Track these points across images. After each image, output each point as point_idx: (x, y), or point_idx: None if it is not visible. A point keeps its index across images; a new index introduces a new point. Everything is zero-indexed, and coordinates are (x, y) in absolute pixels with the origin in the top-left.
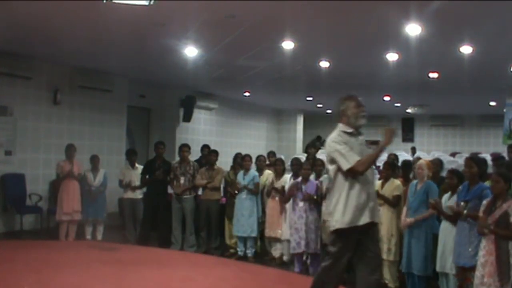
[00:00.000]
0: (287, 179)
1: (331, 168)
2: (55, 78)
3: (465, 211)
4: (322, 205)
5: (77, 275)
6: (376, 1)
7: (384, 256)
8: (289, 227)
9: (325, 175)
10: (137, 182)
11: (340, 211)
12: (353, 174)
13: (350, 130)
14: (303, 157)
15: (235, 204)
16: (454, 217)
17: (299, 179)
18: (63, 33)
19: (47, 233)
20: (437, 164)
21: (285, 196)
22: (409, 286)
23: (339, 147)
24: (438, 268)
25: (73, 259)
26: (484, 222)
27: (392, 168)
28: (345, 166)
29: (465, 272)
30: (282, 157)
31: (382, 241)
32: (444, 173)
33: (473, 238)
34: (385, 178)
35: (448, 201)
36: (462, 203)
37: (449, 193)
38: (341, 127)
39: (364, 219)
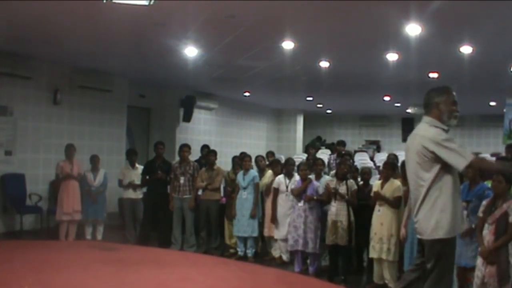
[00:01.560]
0: (281, 180)
1: (427, 171)
2: (55, 78)
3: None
4: (331, 205)
5: (77, 275)
6: (376, 1)
7: (384, 256)
8: (287, 225)
9: (327, 176)
10: (137, 182)
11: (448, 218)
12: (468, 171)
13: (446, 128)
14: (303, 157)
15: (235, 204)
16: None
17: (298, 178)
18: (63, 33)
19: (47, 233)
20: None
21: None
22: None
23: (448, 144)
24: None
25: (73, 259)
26: (485, 252)
27: (392, 168)
28: (463, 163)
29: (465, 272)
30: (282, 157)
31: (382, 241)
32: None
33: (474, 239)
34: (385, 178)
35: None
36: (464, 204)
37: None
38: (433, 122)
39: (463, 227)
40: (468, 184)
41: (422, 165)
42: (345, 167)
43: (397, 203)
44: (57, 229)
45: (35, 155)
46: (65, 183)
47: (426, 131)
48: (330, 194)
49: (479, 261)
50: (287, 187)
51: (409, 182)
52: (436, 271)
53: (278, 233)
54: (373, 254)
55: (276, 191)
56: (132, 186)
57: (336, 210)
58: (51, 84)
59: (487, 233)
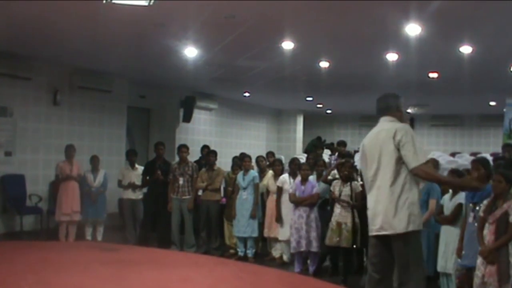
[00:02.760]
0: (286, 179)
1: (394, 158)
2: (55, 79)
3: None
4: (336, 206)
5: (77, 276)
6: (375, 1)
7: None
8: (289, 227)
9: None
10: (137, 182)
11: (416, 209)
12: (415, 174)
13: None
14: (303, 157)
15: (235, 204)
16: (451, 219)
17: (298, 179)
18: (63, 34)
19: (47, 233)
20: (433, 164)
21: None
22: None
23: (414, 139)
24: (439, 268)
25: (73, 260)
26: (485, 251)
27: None
28: (414, 163)
29: (467, 272)
30: (282, 157)
31: None
32: (440, 172)
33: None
34: None
35: (450, 201)
36: (470, 205)
37: (450, 193)
38: (396, 121)
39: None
40: None
41: (394, 157)
42: (345, 169)
43: None
44: (57, 230)
45: (35, 156)
46: (65, 183)
47: (395, 124)
48: (334, 199)
49: (479, 260)
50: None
51: (369, 174)
52: (415, 265)
53: (283, 234)
54: None
55: (280, 190)
56: (131, 186)
57: (341, 212)
58: (50, 84)
59: (488, 232)
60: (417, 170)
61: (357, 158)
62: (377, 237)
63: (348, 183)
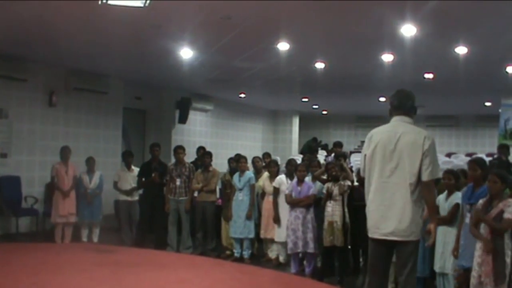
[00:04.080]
0: (283, 180)
1: (419, 165)
2: (51, 80)
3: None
4: (327, 205)
5: (73, 278)
6: (371, 1)
7: None
8: (285, 228)
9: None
10: (133, 184)
11: (419, 221)
12: (422, 186)
13: None
14: (299, 158)
15: (231, 205)
16: (448, 220)
17: (295, 180)
18: (59, 35)
19: (43, 235)
20: None
21: None
22: None
23: (435, 151)
24: (437, 269)
25: (69, 262)
26: (487, 242)
27: None
28: (432, 175)
29: (465, 273)
30: (278, 158)
31: None
32: None
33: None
34: None
35: (445, 201)
36: (467, 206)
37: (445, 193)
38: (413, 123)
39: None
40: (472, 186)
41: (419, 165)
42: (333, 169)
43: None
44: (53, 232)
45: (30, 158)
46: (61, 185)
47: (420, 129)
48: (326, 196)
49: (475, 261)
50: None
51: (381, 173)
52: (413, 273)
53: (279, 235)
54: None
55: (277, 191)
56: (127, 193)
57: (332, 211)
58: (46, 86)
59: (484, 232)
60: (430, 183)
61: (353, 158)
62: (382, 241)
63: (337, 183)
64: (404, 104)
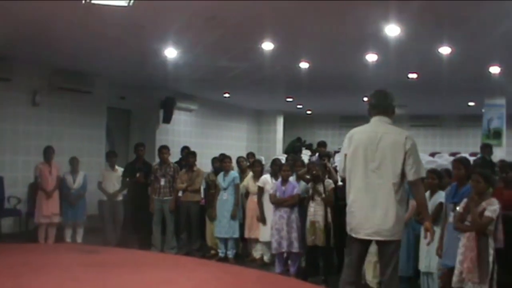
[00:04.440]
0: (267, 179)
1: (401, 165)
2: (34, 80)
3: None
4: (310, 205)
5: (57, 278)
6: (355, 1)
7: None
8: (270, 228)
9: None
10: (117, 184)
11: (402, 220)
12: (410, 186)
13: None
14: (283, 158)
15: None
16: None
17: (279, 180)
18: (42, 35)
19: (26, 236)
20: None
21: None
22: None
23: (418, 150)
24: (423, 268)
25: (53, 262)
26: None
27: None
28: (418, 175)
29: (449, 272)
30: (262, 158)
31: None
32: None
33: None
34: None
35: (429, 201)
36: (450, 205)
37: (429, 192)
38: (392, 124)
39: None
40: (456, 185)
41: (402, 165)
42: (314, 169)
43: None
44: (37, 232)
45: (13, 157)
46: (44, 185)
47: (400, 130)
48: (309, 197)
49: (458, 258)
50: None
51: (362, 173)
52: (396, 272)
53: (263, 235)
54: (369, 256)
55: (262, 190)
56: (111, 196)
57: (314, 211)
58: (30, 85)
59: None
60: (417, 181)
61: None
62: (364, 240)
63: (321, 182)
64: (383, 105)
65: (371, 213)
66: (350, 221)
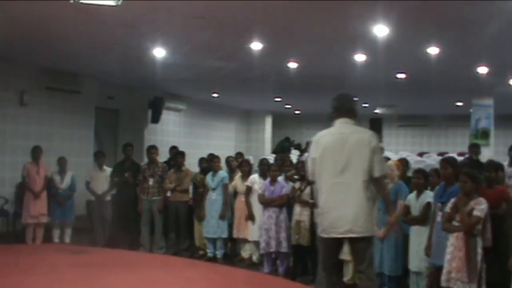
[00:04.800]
0: (256, 179)
1: (368, 163)
2: (22, 79)
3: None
4: (296, 205)
5: (45, 279)
6: (344, 1)
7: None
8: (258, 228)
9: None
10: (105, 184)
11: (374, 217)
12: (374, 182)
13: None
14: (272, 158)
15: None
16: (420, 220)
17: (268, 180)
18: (30, 34)
19: (13, 236)
20: (403, 164)
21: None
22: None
23: (381, 150)
24: (413, 268)
25: (41, 263)
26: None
27: None
28: (380, 172)
29: (437, 271)
30: (251, 158)
31: None
32: (410, 173)
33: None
34: None
35: (416, 201)
36: (438, 204)
37: (415, 192)
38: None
39: None
40: (444, 185)
41: (368, 163)
42: (302, 169)
43: None
44: (24, 232)
45: (1, 157)
46: (32, 186)
47: (364, 129)
48: (295, 197)
49: (446, 257)
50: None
51: (332, 174)
52: (372, 266)
53: (252, 235)
54: (344, 256)
55: (250, 190)
56: (100, 196)
57: (300, 210)
58: (18, 85)
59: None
60: (381, 178)
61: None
62: (335, 240)
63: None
64: (346, 107)
65: (343, 212)
66: (322, 222)
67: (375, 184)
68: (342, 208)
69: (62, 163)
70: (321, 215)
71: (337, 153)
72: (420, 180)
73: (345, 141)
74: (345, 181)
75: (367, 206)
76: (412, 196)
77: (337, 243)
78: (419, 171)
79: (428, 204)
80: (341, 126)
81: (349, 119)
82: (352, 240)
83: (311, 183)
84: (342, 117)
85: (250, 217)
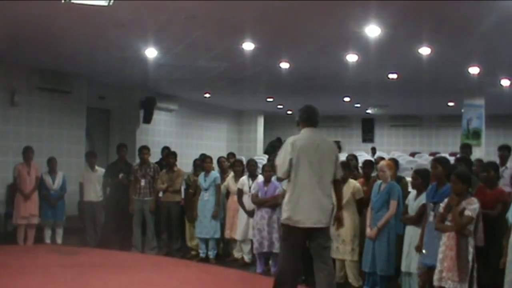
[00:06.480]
0: (245, 181)
1: (334, 167)
2: (13, 79)
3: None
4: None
5: (36, 280)
6: (336, 1)
7: (348, 257)
8: (251, 228)
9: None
10: (97, 184)
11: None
12: (334, 183)
13: None
14: (264, 158)
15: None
16: (415, 220)
17: (261, 180)
18: (21, 33)
19: (4, 237)
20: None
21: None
22: (369, 285)
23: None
24: (403, 268)
25: (33, 264)
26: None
27: (348, 168)
28: (341, 174)
29: (429, 271)
30: (243, 158)
31: (345, 243)
32: (400, 173)
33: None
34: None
35: (414, 201)
36: (430, 204)
37: (414, 193)
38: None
39: None
40: (435, 185)
41: (334, 163)
42: None
43: (363, 205)
44: (15, 233)
45: None
46: (22, 186)
47: (326, 137)
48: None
49: (438, 257)
50: (250, 188)
51: (306, 173)
52: (330, 259)
53: (244, 235)
54: (336, 255)
55: (241, 192)
56: (95, 203)
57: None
58: (8, 85)
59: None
60: (340, 181)
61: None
62: (305, 230)
63: None
64: (313, 119)
65: (315, 205)
66: (295, 214)
67: (335, 184)
68: (314, 203)
69: (52, 164)
70: (294, 208)
71: (312, 156)
72: (417, 180)
73: (317, 146)
74: (317, 181)
75: (329, 202)
76: (411, 196)
77: (306, 233)
78: (417, 172)
79: (423, 205)
80: (311, 134)
81: (314, 128)
82: (318, 230)
83: (281, 180)
84: (309, 126)
85: (249, 214)
